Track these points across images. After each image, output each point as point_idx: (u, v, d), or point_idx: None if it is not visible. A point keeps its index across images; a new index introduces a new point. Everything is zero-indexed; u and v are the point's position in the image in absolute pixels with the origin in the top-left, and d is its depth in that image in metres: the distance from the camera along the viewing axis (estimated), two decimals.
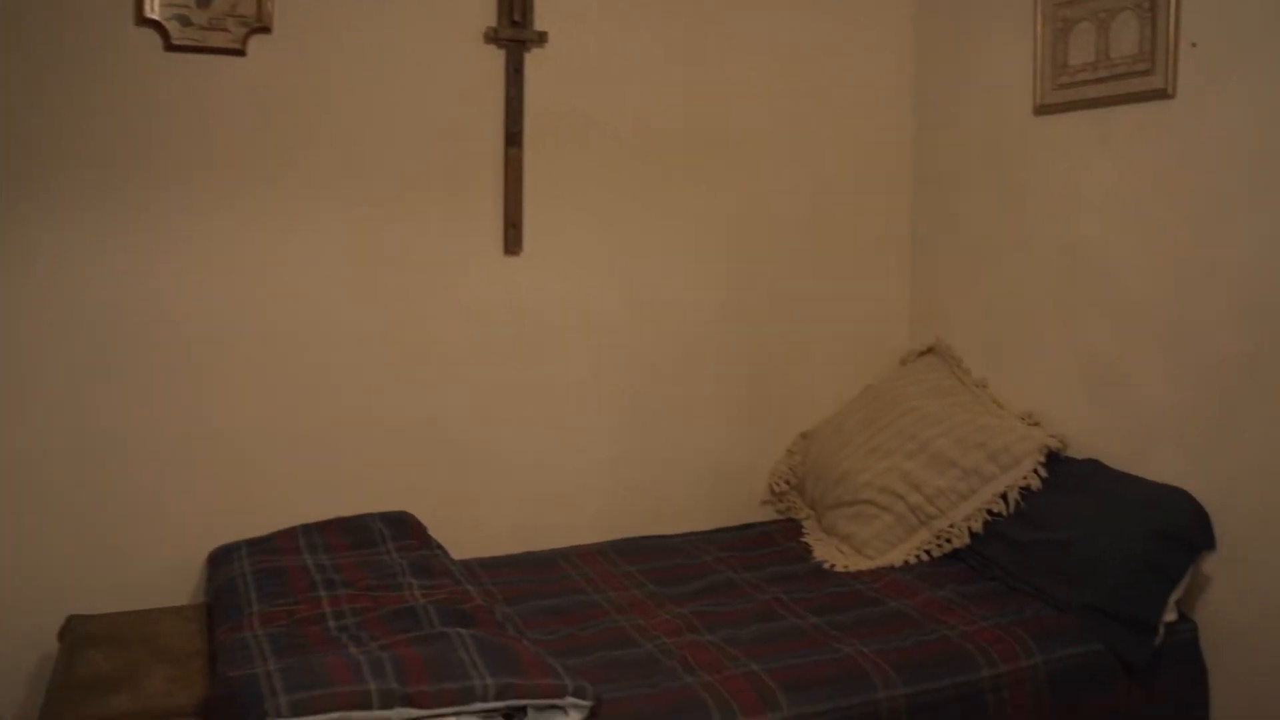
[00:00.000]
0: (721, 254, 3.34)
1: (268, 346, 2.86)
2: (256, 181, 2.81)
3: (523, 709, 2.01)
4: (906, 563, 2.91)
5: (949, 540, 2.91)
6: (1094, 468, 2.85)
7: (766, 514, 3.45)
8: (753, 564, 2.94)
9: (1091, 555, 2.60)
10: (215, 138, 2.77)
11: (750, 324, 3.39)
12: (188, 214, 2.76)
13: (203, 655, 2.41)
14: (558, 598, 2.70)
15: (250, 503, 2.87)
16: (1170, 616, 2.55)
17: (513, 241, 3.07)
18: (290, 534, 2.80)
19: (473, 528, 3.09)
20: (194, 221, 2.77)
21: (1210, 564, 2.63)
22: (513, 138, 3.03)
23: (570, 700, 2.00)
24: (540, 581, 2.81)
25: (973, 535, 2.88)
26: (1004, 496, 2.86)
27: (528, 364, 3.13)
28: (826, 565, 2.94)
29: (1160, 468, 2.74)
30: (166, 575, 2.80)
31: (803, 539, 3.15)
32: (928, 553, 2.93)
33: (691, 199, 3.28)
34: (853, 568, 2.92)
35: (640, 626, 2.52)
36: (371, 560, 2.62)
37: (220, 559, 2.72)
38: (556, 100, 3.09)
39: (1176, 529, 2.56)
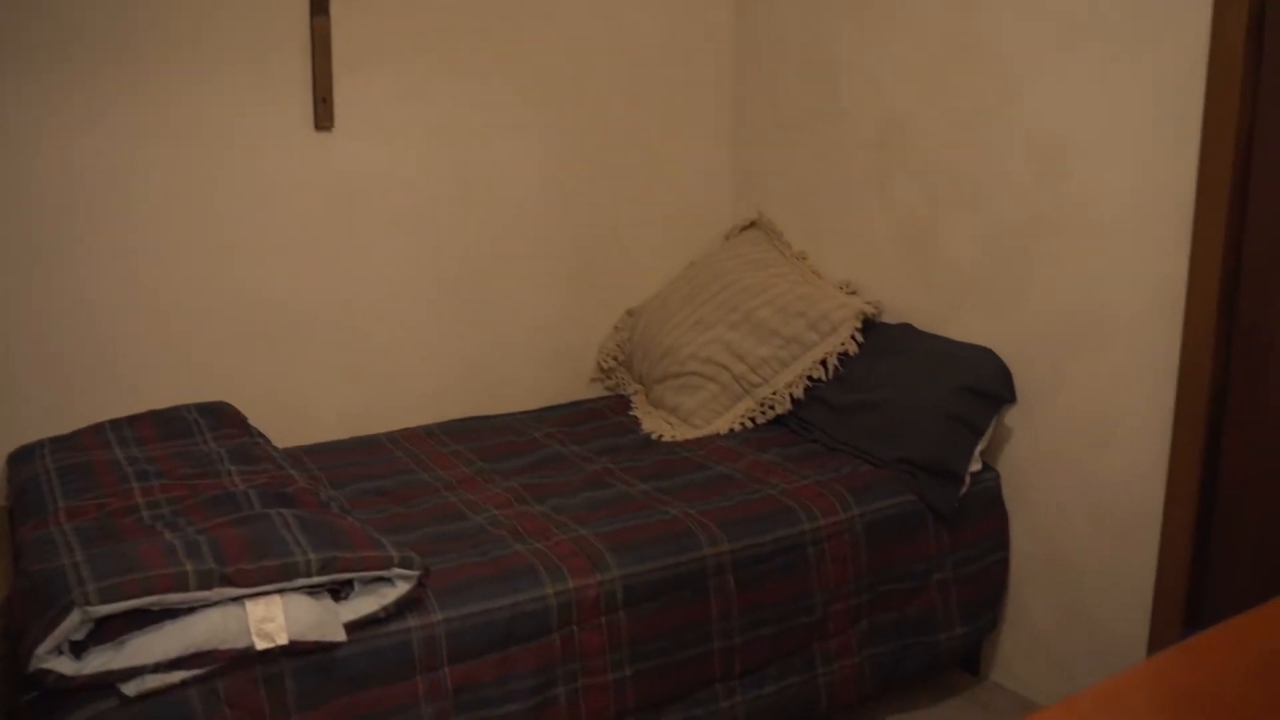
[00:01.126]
0: (544, 130, 3.28)
1: (57, 228, 2.67)
2: (34, 49, 2.58)
3: (349, 583, 1.98)
4: (732, 430, 2.99)
5: (772, 407, 3.00)
6: (907, 331, 2.96)
7: (596, 391, 3.48)
8: (582, 438, 2.96)
9: (904, 413, 2.72)
10: None
11: (574, 201, 3.36)
12: None
13: (5, 558, 2.29)
14: (385, 478, 2.66)
15: (50, 400, 2.71)
16: (975, 467, 2.70)
17: (323, 116, 2.93)
18: (97, 429, 2.66)
19: (297, 417, 3.01)
20: None
21: (1011, 416, 2.79)
22: (318, 5, 2.87)
23: (397, 571, 1.98)
24: (367, 464, 2.76)
25: (794, 401, 2.97)
26: (823, 362, 2.96)
27: (346, 244, 3.03)
28: (654, 436, 2.99)
29: (966, 328, 2.87)
30: None
31: (631, 413, 3.19)
32: (752, 419, 3.01)
33: (512, 73, 3.19)
34: (680, 437, 2.98)
35: (469, 501, 2.52)
36: (187, 450, 2.52)
37: (20, 459, 2.57)
38: None
39: (981, 385, 2.69)
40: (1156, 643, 2.53)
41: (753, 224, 3.50)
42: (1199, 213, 2.34)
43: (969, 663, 2.92)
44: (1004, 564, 2.78)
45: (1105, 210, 2.52)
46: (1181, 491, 2.43)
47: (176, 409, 2.75)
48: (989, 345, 2.79)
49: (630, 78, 3.39)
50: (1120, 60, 2.45)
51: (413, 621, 2.02)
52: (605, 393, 3.45)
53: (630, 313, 3.49)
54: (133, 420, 2.68)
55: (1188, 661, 1.13)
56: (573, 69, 3.29)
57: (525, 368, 3.37)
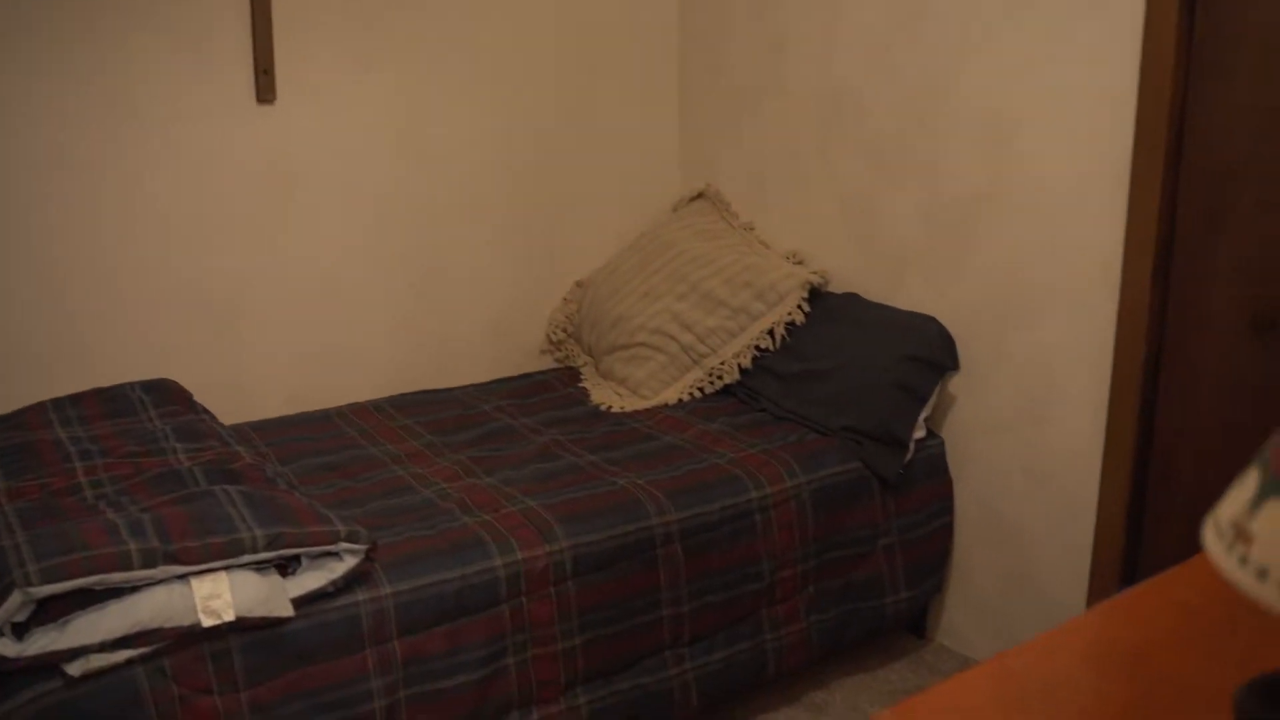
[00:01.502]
0: (491, 102, 3.26)
1: None
2: None
3: (296, 558, 1.98)
4: (680, 400, 3.01)
5: (720, 377, 3.02)
6: (853, 300, 2.99)
7: (546, 363, 3.48)
8: (531, 410, 2.97)
9: (849, 382, 2.76)
10: None
11: (522, 174, 3.35)
12: None
13: None
14: (333, 453, 2.66)
15: None
16: (920, 434, 2.74)
17: (265, 89, 2.90)
18: (39, 408, 2.63)
19: (244, 393, 2.99)
20: None
21: (955, 384, 2.84)
22: None
23: (344, 546, 1.98)
24: (315, 439, 2.75)
25: (742, 370, 2.99)
26: (770, 332, 2.98)
27: (291, 219, 3.00)
28: (603, 407, 3.00)
29: (911, 297, 2.90)
30: None
31: (581, 384, 3.20)
32: (700, 390, 3.03)
33: (458, 45, 3.17)
34: (629, 408, 2.99)
35: (418, 475, 2.52)
36: (131, 428, 2.50)
37: None
38: None
39: (925, 353, 2.73)
40: (1095, 604, 2.59)
41: (700, 195, 3.51)
42: (1134, 184, 2.38)
43: (915, 626, 2.98)
44: (948, 529, 2.83)
45: (1046, 182, 2.56)
46: (1118, 457, 2.49)
47: (121, 387, 2.72)
48: (933, 314, 2.82)
49: (577, 50, 3.38)
50: (1060, 33, 2.48)
51: (361, 595, 2.02)
52: (555, 365, 3.45)
53: (579, 284, 3.50)
54: (76, 399, 2.65)
55: (1112, 617, 1.17)
56: (520, 42, 3.27)
57: (474, 341, 3.36)
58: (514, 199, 3.35)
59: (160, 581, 1.84)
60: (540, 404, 3.03)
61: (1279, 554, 0.70)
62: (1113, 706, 1.02)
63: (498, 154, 3.29)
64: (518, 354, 3.45)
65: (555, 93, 3.36)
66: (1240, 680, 0.84)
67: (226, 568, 1.89)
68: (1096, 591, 2.58)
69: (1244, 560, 0.73)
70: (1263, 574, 0.71)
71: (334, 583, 1.99)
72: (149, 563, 1.83)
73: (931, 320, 2.79)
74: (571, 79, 3.38)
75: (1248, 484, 0.78)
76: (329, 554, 2.00)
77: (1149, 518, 2.51)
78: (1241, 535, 0.74)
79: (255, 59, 2.87)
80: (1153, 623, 1.15)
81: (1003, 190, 2.65)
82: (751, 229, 3.35)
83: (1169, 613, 1.15)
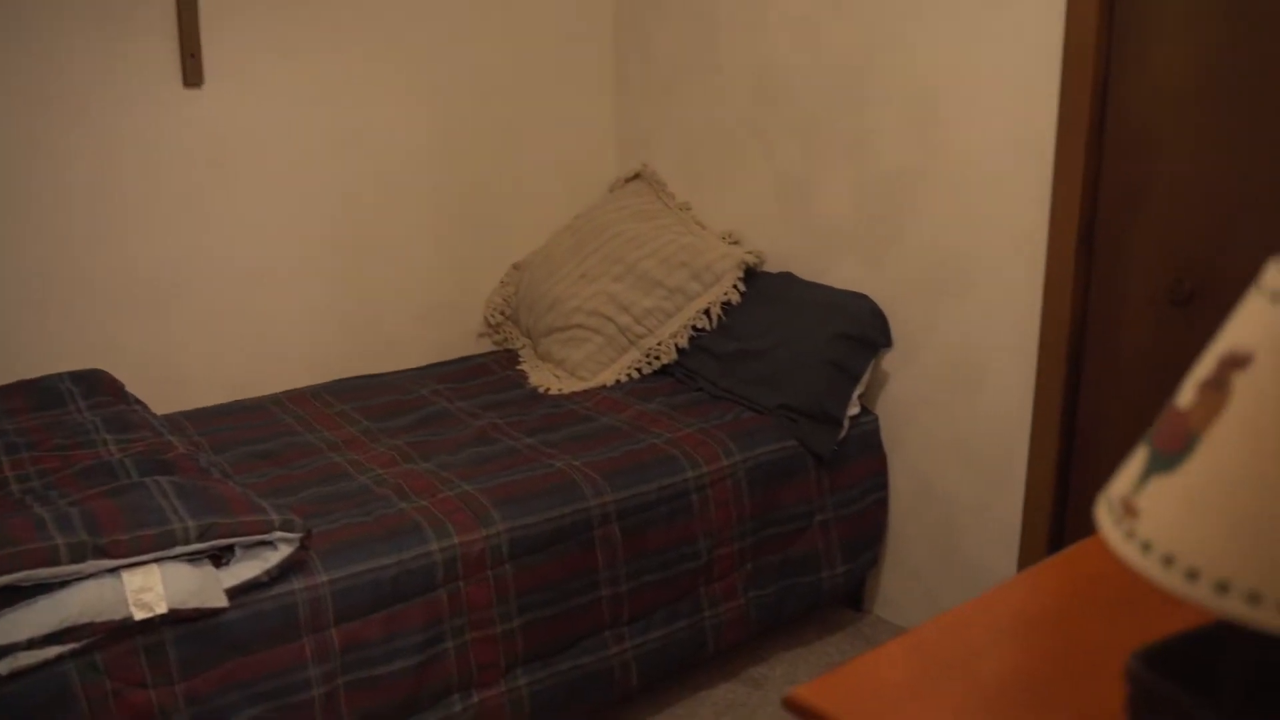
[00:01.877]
0: (423, 85, 3.23)
1: None
2: None
3: (230, 548, 1.97)
4: (618, 381, 3.02)
5: (658, 357, 3.04)
6: (788, 279, 3.02)
7: (484, 346, 3.47)
8: (469, 394, 2.97)
9: (784, 361, 2.79)
10: None
11: (457, 157, 3.33)
12: None
13: None
14: (268, 441, 2.64)
15: None
16: (854, 410, 2.78)
17: (192, 73, 2.85)
18: None
19: (177, 382, 2.95)
20: None
21: (888, 360, 2.88)
22: None
23: (278, 535, 1.97)
24: (250, 427, 2.73)
25: (680, 351, 3.01)
26: (707, 312, 3.00)
27: (221, 205, 2.96)
28: (541, 390, 3.01)
29: (844, 275, 2.94)
30: None
31: (519, 367, 3.20)
32: (638, 370, 3.05)
33: (389, 27, 3.13)
34: (566, 390, 3.00)
35: (354, 461, 2.51)
36: (60, 420, 2.46)
37: None
38: None
39: (858, 331, 2.77)
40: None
41: (637, 176, 3.52)
42: (1059, 158, 2.43)
43: (853, 599, 3.03)
44: (883, 504, 2.88)
45: (974, 159, 2.60)
46: (1045, 430, 2.54)
47: (48, 378, 2.68)
48: (866, 292, 2.86)
49: (510, 33, 3.36)
50: (984, 9, 2.51)
51: (297, 584, 2.01)
52: (493, 347, 3.45)
53: (516, 267, 3.49)
54: (2, 391, 2.61)
55: (1023, 588, 1.21)
56: (450, 25, 3.25)
57: (412, 325, 3.35)
58: (448, 183, 3.33)
59: (90, 576, 1.82)
60: (478, 387, 3.03)
61: (1162, 529, 0.73)
62: (1023, 676, 1.05)
63: (430, 138, 3.27)
64: (456, 337, 3.44)
65: (487, 75, 3.34)
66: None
67: (158, 560, 1.88)
68: (1026, 562, 2.64)
69: (1130, 535, 0.75)
70: (1147, 548, 0.73)
71: (269, 572, 1.98)
72: (77, 557, 1.81)
73: (864, 298, 2.83)
74: (504, 61, 3.37)
75: (1137, 460, 0.80)
76: (263, 543, 1.99)
77: (1075, 488, 2.57)
78: (1129, 510, 0.77)
79: (181, 42, 2.82)
80: (1063, 594, 1.19)
81: (932, 167, 2.68)
82: (688, 209, 3.36)
83: (1079, 584, 1.18)
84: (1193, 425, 0.74)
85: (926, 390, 2.80)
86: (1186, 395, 0.76)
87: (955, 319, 2.69)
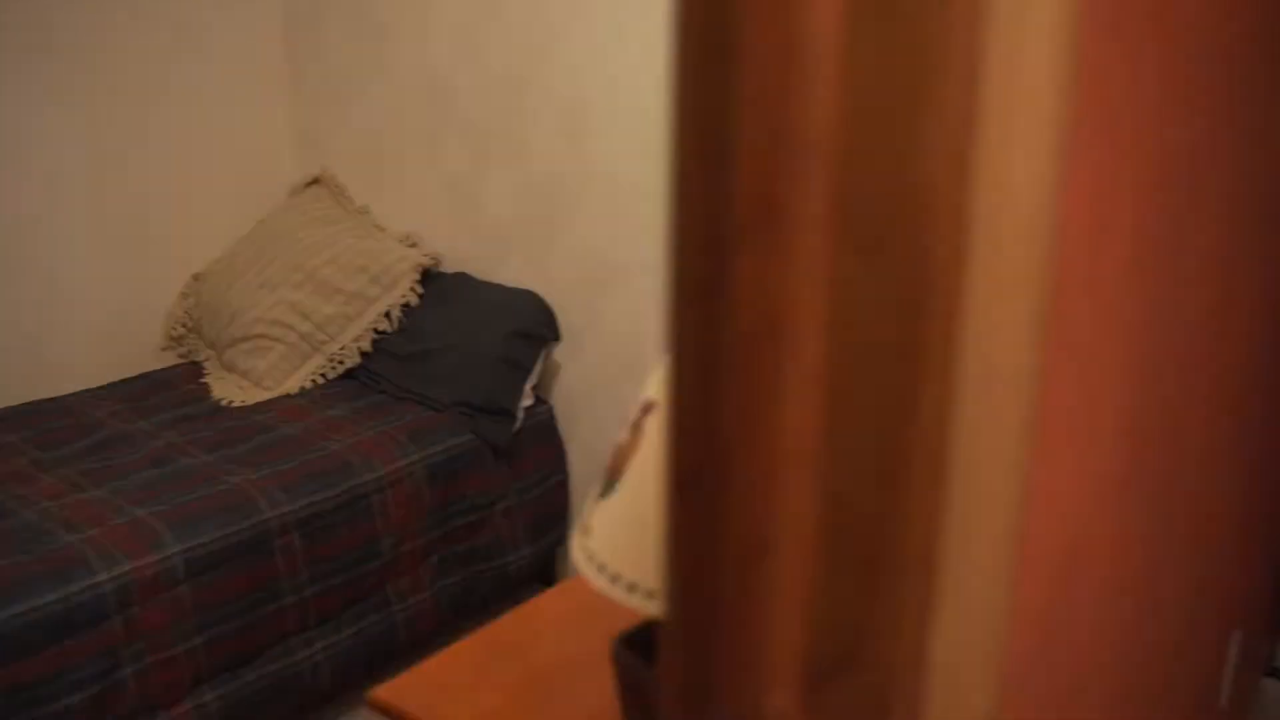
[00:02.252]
0: (81, 95, 3.14)
1: None
2: None
3: None
4: (303, 389, 3.08)
5: (341, 362, 3.12)
6: (463, 280, 3.16)
7: (168, 360, 3.44)
8: (149, 412, 2.95)
9: (459, 359, 2.93)
10: None
11: (125, 168, 3.26)
12: None
13: None
14: None
15: None
16: (528, 402, 2.96)
17: None
18: None
19: None
20: None
21: (560, 352, 3.08)
22: None
23: None
24: None
25: (364, 354, 3.10)
26: (387, 315, 3.10)
27: None
28: (225, 402, 3.03)
29: (514, 274, 3.11)
30: None
31: (203, 380, 3.20)
32: (324, 375, 3.12)
33: (42, 39, 3.03)
34: (250, 401, 3.03)
35: (19, 496, 2.47)
36: None
37: None
38: None
39: (527, 327, 2.95)
40: None
41: (316, 180, 3.56)
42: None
43: (544, 576, 3.23)
44: (564, 486, 3.09)
45: (619, 165, 2.81)
46: None
47: None
48: (534, 289, 3.04)
49: (173, 40, 3.31)
50: (633, 25, 2.71)
51: None
52: (178, 360, 3.42)
53: (196, 277, 3.47)
54: None
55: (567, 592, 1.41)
56: (111, 31, 3.17)
57: (88, 343, 3.27)
58: (117, 193, 3.26)
59: None
60: (159, 404, 3.02)
61: (607, 546, 0.92)
62: (571, 658, 1.24)
63: (93, 148, 3.19)
64: (137, 353, 3.39)
65: (153, 83, 3.28)
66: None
67: None
68: None
69: (586, 551, 0.94)
70: (593, 560, 0.92)
71: None
72: None
73: (532, 295, 3.01)
74: (170, 70, 3.32)
75: (599, 484, 1.00)
76: None
77: None
78: (584, 530, 0.95)
79: None
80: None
81: (586, 173, 2.88)
82: (367, 212, 3.44)
83: None
84: (622, 457, 0.93)
85: (595, 377, 3.01)
86: (622, 433, 0.96)
87: (613, 311, 2.91)
